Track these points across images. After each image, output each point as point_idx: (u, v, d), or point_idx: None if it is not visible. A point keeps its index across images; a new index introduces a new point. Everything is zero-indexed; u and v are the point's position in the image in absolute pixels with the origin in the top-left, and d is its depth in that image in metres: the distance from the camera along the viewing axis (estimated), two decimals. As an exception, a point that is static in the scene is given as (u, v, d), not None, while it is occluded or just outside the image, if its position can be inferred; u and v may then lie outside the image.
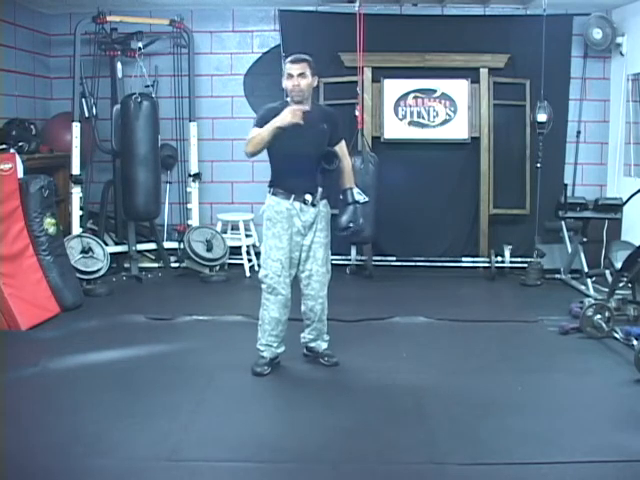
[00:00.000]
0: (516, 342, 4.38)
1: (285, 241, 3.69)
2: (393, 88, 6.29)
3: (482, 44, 6.26)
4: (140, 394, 3.48)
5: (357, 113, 6.01)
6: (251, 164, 6.29)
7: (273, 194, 3.73)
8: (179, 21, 6.26)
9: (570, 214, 5.78)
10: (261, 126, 3.55)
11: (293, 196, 3.68)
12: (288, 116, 3.44)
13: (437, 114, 6.30)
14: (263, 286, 3.77)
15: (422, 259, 6.29)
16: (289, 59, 3.67)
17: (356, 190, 3.86)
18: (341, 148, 3.82)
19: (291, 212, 3.69)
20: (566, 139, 6.49)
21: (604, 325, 4.31)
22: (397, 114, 6.30)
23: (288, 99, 3.70)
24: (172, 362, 3.94)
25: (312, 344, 3.95)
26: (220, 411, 3.32)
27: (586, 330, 4.36)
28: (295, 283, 3.83)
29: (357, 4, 5.77)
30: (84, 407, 3.29)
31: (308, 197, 3.67)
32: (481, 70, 6.25)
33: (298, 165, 3.63)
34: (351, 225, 3.77)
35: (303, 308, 3.88)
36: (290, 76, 3.60)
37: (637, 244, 4.71)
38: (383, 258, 6.34)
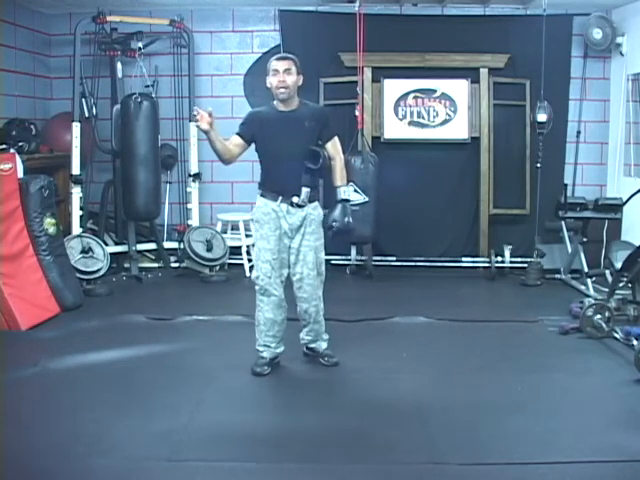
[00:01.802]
0: (516, 342, 4.37)
1: (273, 242, 3.67)
2: (393, 88, 6.29)
3: (482, 44, 6.26)
4: (140, 394, 3.48)
5: (357, 113, 6.00)
6: (251, 164, 6.23)
7: (262, 195, 3.73)
8: (179, 21, 6.26)
9: (570, 214, 5.78)
10: (239, 132, 3.65)
11: (280, 198, 3.66)
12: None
13: (437, 114, 6.29)
14: (256, 287, 3.76)
15: (422, 259, 6.28)
16: (274, 57, 3.66)
17: (344, 188, 3.80)
18: (334, 144, 3.79)
19: (278, 214, 3.67)
20: (566, 139, 6.49)
21: (604, 325, 4.31)
22: (397, 114, 6.30)
23: (275, 102, 3.69)
24: (172, 362, 3.94)
25: (312, 345, 3.94)
26: (220, 411, 3.32)
27: (586, 330, 4.36)
28: (290, 284, 3.82)
29: (357, 4, 5.77)
30: (84, 407, 3.29)
31: (295, 199, 3.64)
32: (481, 70, 6.25)
33: (285, 165, 3.61)
34: (334, 224, 3.71)
35: (298, 310, 3.86)
36: (276, 72, 3.58)
37: (637, 244, 4.70)
38: (383, 258, 6.33)
